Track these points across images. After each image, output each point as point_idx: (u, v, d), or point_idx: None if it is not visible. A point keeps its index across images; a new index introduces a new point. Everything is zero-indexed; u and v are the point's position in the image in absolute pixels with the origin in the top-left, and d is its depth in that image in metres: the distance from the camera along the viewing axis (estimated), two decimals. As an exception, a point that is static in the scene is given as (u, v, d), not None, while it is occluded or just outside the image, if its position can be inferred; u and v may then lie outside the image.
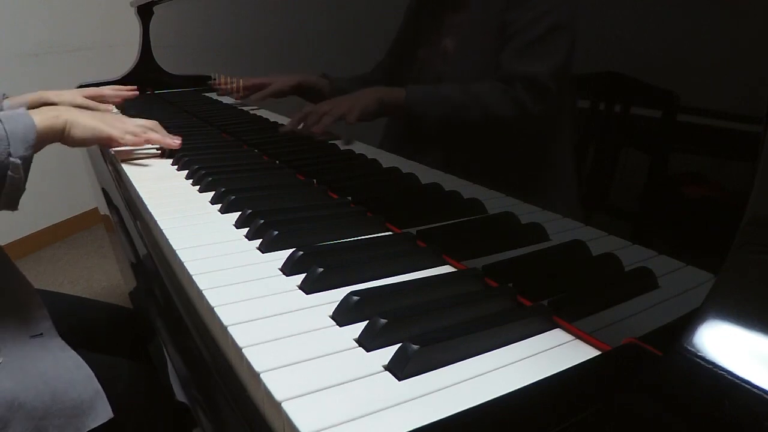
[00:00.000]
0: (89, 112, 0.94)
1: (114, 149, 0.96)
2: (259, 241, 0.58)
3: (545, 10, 0.46)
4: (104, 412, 0.68)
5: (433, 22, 0.59)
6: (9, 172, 0.70)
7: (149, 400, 0.79)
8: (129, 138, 0.92)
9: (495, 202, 0.51)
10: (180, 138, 0.97)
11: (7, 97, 1.15)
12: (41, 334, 0.71)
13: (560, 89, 0.45)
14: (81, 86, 1.61)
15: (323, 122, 0.80)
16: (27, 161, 0.72)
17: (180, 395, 0.45)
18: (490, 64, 0.51)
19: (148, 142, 0.95)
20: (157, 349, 0.55)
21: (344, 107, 0.75)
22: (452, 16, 0.57)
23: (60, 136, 0.84)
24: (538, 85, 0.47)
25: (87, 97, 1.30)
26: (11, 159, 0.70)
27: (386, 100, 0.67)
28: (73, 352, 0.70)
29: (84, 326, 0.87)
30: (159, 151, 1.00)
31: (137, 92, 1.44)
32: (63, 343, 0.71)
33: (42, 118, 0.79)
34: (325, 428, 0.32)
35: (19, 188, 0.72)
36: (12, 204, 0.74)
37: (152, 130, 0.97)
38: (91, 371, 0.69)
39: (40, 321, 0.72)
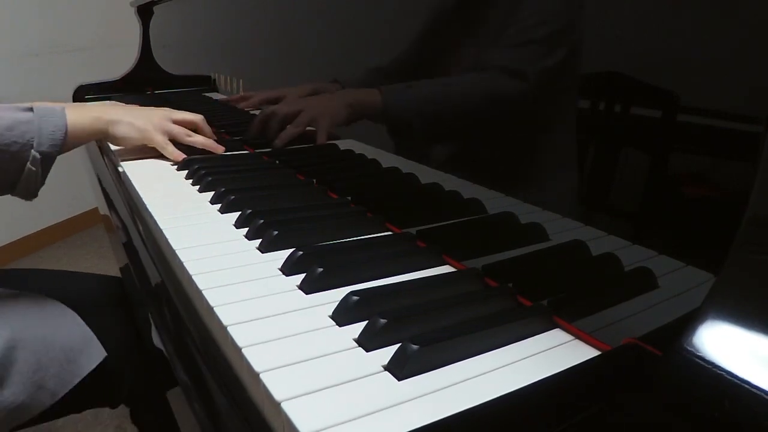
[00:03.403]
0: (136, 110, 0.90)
1: (115, 149, 0.96)
2: (259, 240, 0.58)
3: (545, 10, 0.46)
4: (98, 353, 0.68)
5: (431, 24, 0.59)
6: (28, 164, 0.71)
7: (139, 348, 0.78)
8: (171, 149, 0.87)
9: (495, 202, 0.51)
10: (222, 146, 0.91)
11: None
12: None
13: (559, 88, 0.45)
14: (81, 86, 1.61)
15: (289, 133, 0.77)
16: (48, 158, 0.73)
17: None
18: (483, 60, 0.51)
19: (193, 145, 0.90)
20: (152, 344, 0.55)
21: (311, 115, 0.71)
22: (447, 16, 0.57)
23: (104, 134, 0.83)
24: (533, 82, 0.47)
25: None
26: (33, 152, 0.71)
27: (358, 105, 0.63)
28: (55, 301, 0.71)
29: (75, 296, 0.86)
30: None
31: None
32: (41, 295, 0.72)
33: (78, 118, 0.78)
34: (325, 428, 0.32)
35: (36, 181, 0.73)
36: (29, 195, 0.75)
37: (195, 128, 0.92)
38: (75, 314, 0.68)
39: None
